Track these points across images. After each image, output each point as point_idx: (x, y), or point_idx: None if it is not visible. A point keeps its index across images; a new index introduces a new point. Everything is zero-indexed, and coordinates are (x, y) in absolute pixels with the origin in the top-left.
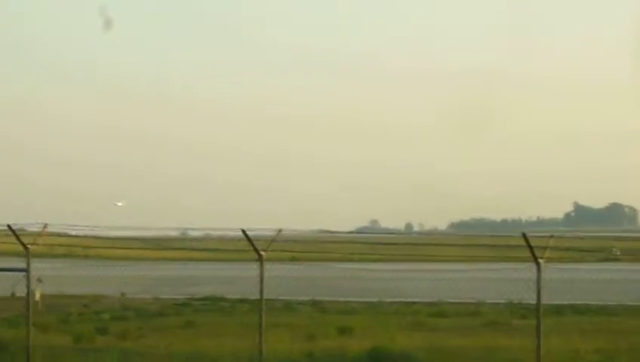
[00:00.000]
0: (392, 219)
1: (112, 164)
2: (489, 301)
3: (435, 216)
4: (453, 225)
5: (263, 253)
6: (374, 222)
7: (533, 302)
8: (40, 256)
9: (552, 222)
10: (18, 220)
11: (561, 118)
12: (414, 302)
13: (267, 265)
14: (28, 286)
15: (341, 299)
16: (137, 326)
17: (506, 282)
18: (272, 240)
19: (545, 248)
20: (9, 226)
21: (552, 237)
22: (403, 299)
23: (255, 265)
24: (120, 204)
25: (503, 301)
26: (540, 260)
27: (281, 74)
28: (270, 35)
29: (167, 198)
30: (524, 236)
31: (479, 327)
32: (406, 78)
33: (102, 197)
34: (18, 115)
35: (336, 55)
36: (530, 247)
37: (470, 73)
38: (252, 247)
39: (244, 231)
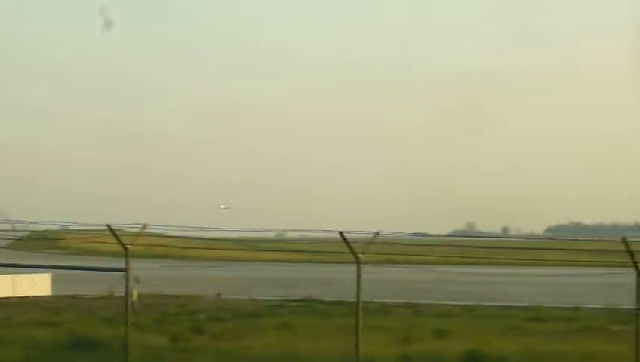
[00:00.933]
0: (489, 223)
1: (210, 170)
2: (587, 306)
3: (531, 219)
4: (550, 229)
5: (360, 255)
6: (471, 225)
7: (632, 307)
8: (138, 256)
9: None
10: (117, 221)
11: None
12: (511, 306)
13: (364, 268)
14: (127, 286)
15: (437, 302)
16: (233, 326)
17: (604, 287)
18: (369, 242)
19: None
20: (109, 226)
21: None
22: (499, 303)
23: (351, 267)
24: (223, 208)
25: (600, 306)
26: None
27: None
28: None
29: (264, 200)
30: (625, 241)
31: (576, 332)
32: None
33: (204, 201)
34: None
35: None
36: (630, 252)
37: None
38: (349, 250)
39: (341, 234)
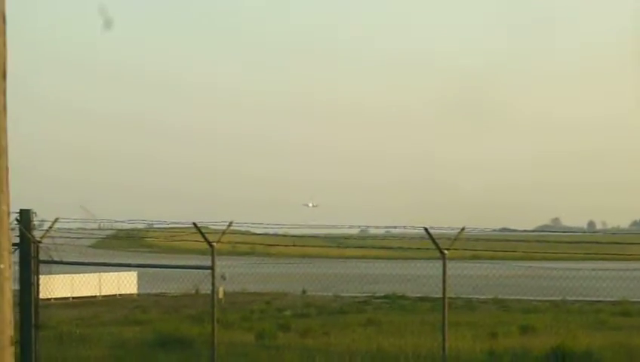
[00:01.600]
0: (574, 217)
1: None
2: None
3: (618, 213)
4: (636, 223)
5: (445, 251)
6: (556, 220)
7: None
8: (224, 254)
9: None
10: (204, 218)
11: None
12: (597, 301)
13: (449, 264)
14: (213, 284)
15: (523, 298)
16: (319, 323)
17: None
18: (455, 238)
19: None
20: (194, 224)
21: None
22: (586, 298)
23: (436, 264)
24: (311, 205)
25: None
26: None
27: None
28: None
29: (349, 199)
30: None
31: None
32: None
33: (290, 198)
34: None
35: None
36: None
37: None
38: (435, 245)
39: (426, 229)
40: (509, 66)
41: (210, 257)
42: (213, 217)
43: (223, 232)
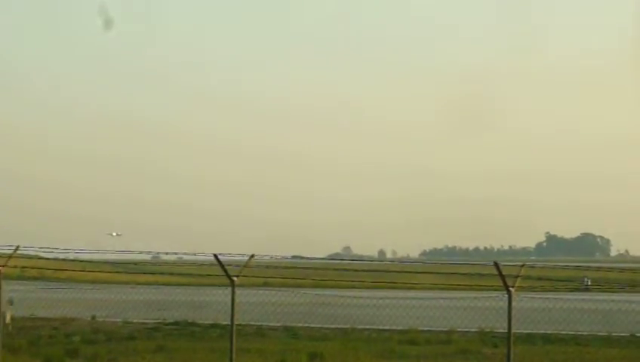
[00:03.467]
0: (365, 246)
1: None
2: (461, 329)
3: (408, 243)
4: (425, 253)
5: (234, 278)
6: (347, 248)
7: (505, 330)
8: (11, 278)
9: (524, 251)
10: None
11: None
12: (386, 329)
13: (239, 291)
14: None
15: (313, 325)
16: (107, 349)
17: (477, 310)
18: (245, 265)
19: (516, 277)
20: None
21: (523, 266)
22: (375, 326)
23: (227, 290)
24: (115, 234)
25: (474, 329)
26: (511, 289)
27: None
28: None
29: (139, 223)
30: (496, 264)
31: (450, 355)
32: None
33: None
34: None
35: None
36: (502, 276)
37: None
38: (224, 272)
39: (216, 256)
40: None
41: None
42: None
43: (10, 256)
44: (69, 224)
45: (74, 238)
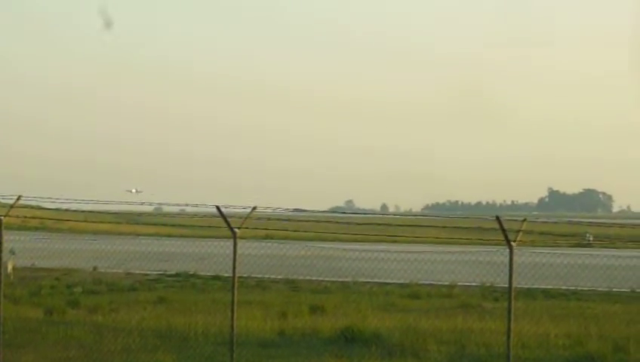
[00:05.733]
0: (368, 200)
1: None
2: (462, 283)
3: (410, 198)
4: (428, 207)
5: (236, 230)
6: (349, 202)
7: (506, 285)
8: (13, 228)
9: (526, 206)
10: None
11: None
12: (387, 283)
13: (241, 243)
14: (0, 258)
15: (314, 278)
16: (109, 300)
17: (479, 265)
18: (247, 217)
19: (518, 231)
20: None
21: (524, 220)
22: (376, 280)
23: (229, 242)
24: (134, 191)
25: (476, 284)
26: (513, 243)
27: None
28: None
29: (143, 172)
30: (498, 219)
31: (452, 309)
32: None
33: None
34: None
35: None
36: (504, 230)
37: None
38: (226, 224)
39: (218, 208)
40: None
41: None
42: (3, 191)
43: (11, 206)
44: (91, 176)
45: (95, 193)
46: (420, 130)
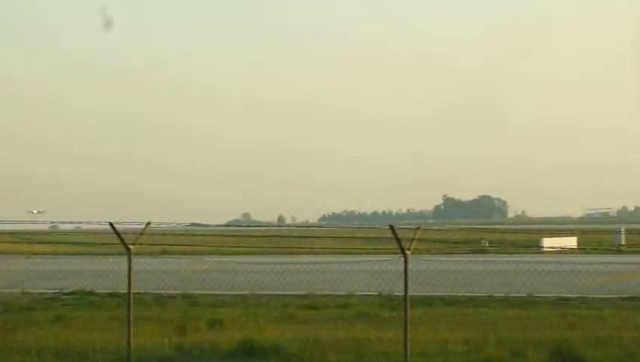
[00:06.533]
0: (264, 212)
1: None
2: (359, 293)
3: (307, 209)
4: (324, 218)
5: (131, 246)
6: (246, 215)
7: (402, 294)
8: None
9: (421, 215)
10: None
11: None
12: (286, 295)
13: (136, 259)
14: None
15: (212, 292)
16: (4, 320)
17: (375, 274)
18: (141, 233)
19: (412, 240)
20: None
21: (418, 228)
22: (274, 292)
23: (125, 259)
24: (36, 211)
25: (372, 293)
26: (407, 252)
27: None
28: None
29: (28, 192)
30: (392, 228)
31: (350, 319)
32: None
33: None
34: None
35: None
36: (398, 239)
37: None
38: (120, 241)
39: (111, 224)
40: None
41: None
42: None
43: None
44: None
45: None
46: (311, 138)
